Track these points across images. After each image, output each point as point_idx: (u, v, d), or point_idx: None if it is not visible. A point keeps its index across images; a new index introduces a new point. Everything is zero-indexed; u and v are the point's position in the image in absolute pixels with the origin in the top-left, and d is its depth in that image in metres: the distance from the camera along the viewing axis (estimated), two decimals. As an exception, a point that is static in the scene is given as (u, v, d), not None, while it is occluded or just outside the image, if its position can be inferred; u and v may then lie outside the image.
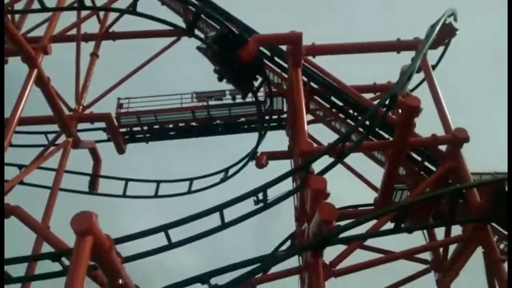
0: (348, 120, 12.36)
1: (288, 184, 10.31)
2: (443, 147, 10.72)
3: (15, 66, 12.24)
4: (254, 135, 14.40)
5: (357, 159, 12.35)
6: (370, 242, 10.77)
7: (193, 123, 15.05)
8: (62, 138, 12.83)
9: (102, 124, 14.34)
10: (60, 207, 11.94)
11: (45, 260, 7.76)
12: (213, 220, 8.18)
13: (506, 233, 10.51)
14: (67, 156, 12.49)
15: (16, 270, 8.12)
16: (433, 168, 10.96)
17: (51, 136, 13.55)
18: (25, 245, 10.94)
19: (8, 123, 9.83)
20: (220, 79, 11.81)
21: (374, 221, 9.20)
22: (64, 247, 8.27)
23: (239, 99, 14.53)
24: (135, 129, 15.00)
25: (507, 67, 9.08)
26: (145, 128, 14.98)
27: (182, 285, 6.94)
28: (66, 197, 13.61)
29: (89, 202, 14.12)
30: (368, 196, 12.01)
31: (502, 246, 10.86)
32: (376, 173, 11.89)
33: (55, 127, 13.22)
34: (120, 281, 6.95)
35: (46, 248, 9.42)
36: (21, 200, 9.89)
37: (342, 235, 7.85)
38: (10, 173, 11.28)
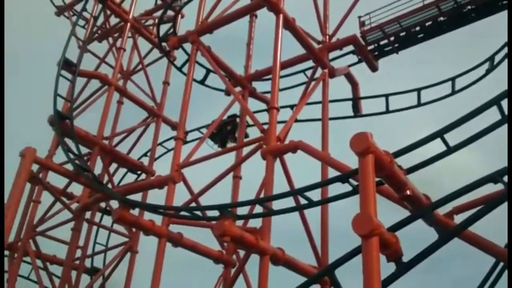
0: None
1: None
2: None
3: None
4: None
5: None
6: None
7: (441, 18, 13.96)
8: (319, 71, 13.72)
9: (351, 48, 14.68)
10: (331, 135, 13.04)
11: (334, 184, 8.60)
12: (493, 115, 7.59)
13: None
14: (327, 86, 13.37)
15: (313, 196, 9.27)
16: None
17: (309, 73, 14.64)
18: (312, 175, 12.38)
19: (273, 70, 11.15)
20: None
21: None
22: (348, 169, 8.99)
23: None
24: (382, 43, 14.86)
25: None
26: (392, 39, 14.65)
27: (471, 188, 6.80)
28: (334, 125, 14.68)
29: (355, 126, 14.91)
30: None
31: None
32: None
33: (310, 63, 14.20)
34: (408, 192, 7.28)
35: (332, 173, 10.42)
36: (300, 135, 11.09)
37: None
38: (285, 114, 12.73)
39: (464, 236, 7.79)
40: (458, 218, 8.65)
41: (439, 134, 7.41)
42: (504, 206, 6.49)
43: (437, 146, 7.82)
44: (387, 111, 14.52)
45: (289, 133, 11.49)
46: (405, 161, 7.77)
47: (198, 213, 10.88)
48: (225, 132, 15.64)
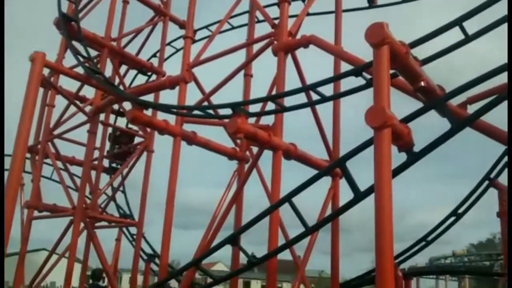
0: None
1: None
2: None
3: None
4: None
5: None
6: None
7: None
8: (330, -40, 12.98)
9: None
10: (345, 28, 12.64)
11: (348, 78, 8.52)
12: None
13: None
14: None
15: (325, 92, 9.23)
16: None
17: (320, -38, 13.84)
18: (325, 71, 12.22)
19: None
20: None
21: None
22: (361, 63, 8.85)
23: None
24: None
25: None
26: None
27: (486, 77, 6.65)
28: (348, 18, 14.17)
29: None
30: None
31: None
32: None
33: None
34: (422, 83, 7.22)
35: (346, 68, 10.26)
36: (311, 31, 10.76)
37: None
38: (296, 8, 12.25)
39: (477, 126, 7.88)
40: (472, 109, 8.68)
41: (457, 22, 7.16)
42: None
43: (456, 37, 7.60)
44: (403, 1, 13.92)
45: (300, 28, 11.14)
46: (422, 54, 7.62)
47: (211, 112, 11.00)
48: None
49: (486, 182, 11.91)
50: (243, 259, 9.62)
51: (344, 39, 12.31)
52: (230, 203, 11.21)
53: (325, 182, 11.30)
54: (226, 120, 9.95)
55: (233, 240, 8.12)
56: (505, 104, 6.41)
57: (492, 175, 11.85)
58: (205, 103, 12.48)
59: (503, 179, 11.85)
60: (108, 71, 15.54)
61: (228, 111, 9.50)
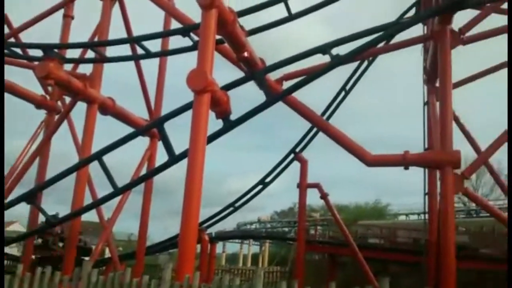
0: None
1: None
2: None
3: None
4: None
5: None
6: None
7: None
8: None
9: None
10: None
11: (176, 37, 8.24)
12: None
13: None
14: None
15: (152, 48, 8.82)
16: None
17: None
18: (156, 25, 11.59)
19: None
20: None
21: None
22: (191, 23, 8.64)
23: None
24: None
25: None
26: None
27: (303, 56, 7.11)
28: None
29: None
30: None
31: None
32: None
33: None
34: (246, 53, 7.36)
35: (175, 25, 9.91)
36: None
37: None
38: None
39: (289, 101, 8.38)
40: (288, 84, 9.18)
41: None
42: (329, 76, 7.03)
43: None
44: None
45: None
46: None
47: (18, 51, 9.67)
48: None
49: (292, 156, 12.98)
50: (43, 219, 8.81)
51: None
52: (33, 155, 10.13)
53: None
54: (36, 63, 8.87)
55: (30, 198, 7.35)
56: (316, 82, 6.94)
57: (297, 150, 12.96)
58: (12, 40, 10.89)
59: (306, 153, 13.07)
60: None
61: (39, 53, 8.48)
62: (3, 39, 10.18)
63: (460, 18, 8.42)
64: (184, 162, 5.96)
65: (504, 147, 7.43)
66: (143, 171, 10.61)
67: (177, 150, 6.68)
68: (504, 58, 9.87)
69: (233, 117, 6.69)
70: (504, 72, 10.12)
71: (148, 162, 10.97)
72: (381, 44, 8.46)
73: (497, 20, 9.45)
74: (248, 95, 7.91)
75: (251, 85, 7.19)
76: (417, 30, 9.38)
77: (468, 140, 10.00)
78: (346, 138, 7.93)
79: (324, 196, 12.69)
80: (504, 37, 8.27)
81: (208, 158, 5.96)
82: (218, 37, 6.72)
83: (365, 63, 11.88)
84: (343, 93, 12.11)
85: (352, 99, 12.53)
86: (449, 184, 7.14)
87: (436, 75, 8.36)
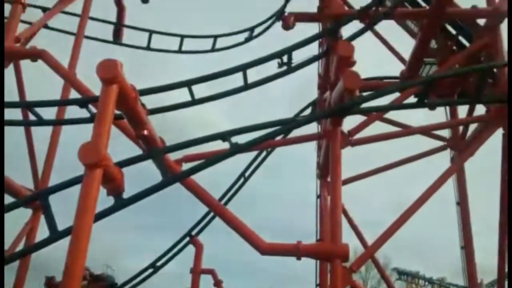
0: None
1: (314, 50, 10.15)
2: (481, 22, 10.20)
3: None
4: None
5: (388, 29, 11.93)
6: (390, 115, 10.86)
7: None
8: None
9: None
10: (86, 56, 12.03)
11: (73, 106, 7.99)
12: (239, 80, 8.19)
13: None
14: (90, 1, 12.19)
15: (46, 114, 8.42)
16: (467, 44, 10.56)
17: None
18: (53, 92, 11.24)
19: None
20: None
21: (397, 95, 9.18)
22: (91, 95, 8.45)
23: None
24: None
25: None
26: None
27: (203, 140, 7.19)
28: (92, 46, 13.64)
29: (116, 53, 14.14)
30: (394, 70, 11.84)
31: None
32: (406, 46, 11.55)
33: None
34: (145, 131, 7.24)
35: (74, 95, 9.65)
36: (48, 45, 9.86)
37: (363, 105, 7.85)
38: (35, 16, 11.14)
39: (186, 183, 8.25)
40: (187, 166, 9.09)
41: (187, 84, 7.58)
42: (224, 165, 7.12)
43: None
44: (148, 48, 14.17)
45: (34, 38, 10.08)
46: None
47: None
48: None
49: (187, 239, 12.62)
50: None
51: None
52: None
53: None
54: None
55: None
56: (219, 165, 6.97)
57: (194, 233, 12.66)
58: None
59: (203, 236, 12.78)
60: None
61: None
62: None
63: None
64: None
65: (390, 242, 7.88)
66: (21, 246, 9.77)
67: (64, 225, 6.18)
68: (388, 161, 11.04)
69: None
70: (389, 173, 11.19)
71: (27, 237, 10.10)
72: (279, 137, 8.81)
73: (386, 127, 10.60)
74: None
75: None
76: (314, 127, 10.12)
77: (356, 234, 10.52)
78: (242, 225, 7.90)
79: (217, 283, 12.30)
80: (388, 142, 9.24)
81: (99, 236, 5.57)
82: (117, 111, 6.59)
83: (265, 152, 12.34)
84: (242, 179, 12.32)
85: (251, 185, 12.79)
86: (338, 276, 7.28)
87: (328, 171, 8.82)
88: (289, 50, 8.59)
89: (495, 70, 9.53)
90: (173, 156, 8.79)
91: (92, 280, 12.30)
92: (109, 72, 5.85)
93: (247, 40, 14.01)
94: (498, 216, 9.50)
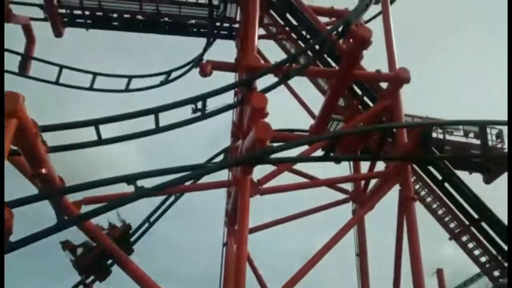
0: (300, 42, 12.17)
1: (229, 99, 10.28)
2: (384, 85, 10.95)
3: None
4: (202, 41, 13.85)
5: (300, 85, 12.49)
6: (298, 167, 11.18)
7: (139, 17, 14.10)
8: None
9: (40, 0, 13.20)
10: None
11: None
12: (150, 122, 8.01)
13: (422, 174, 11.23)
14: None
15: None
16: (371, 104, 11.25)
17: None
18: None
19: None
20: None
21: (306, 147, 9.49)
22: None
23: (192, -1, 13.81)
24: (76, 12, 13.87)
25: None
26: (87, 13, 13.89)
27: (107, 182, 6.86)
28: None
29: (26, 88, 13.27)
30: (304, 123, 12.32)
31: (417, 186, 11.56)
32: (316, 102, 12.10)
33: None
34: (43, 170, 6.75)
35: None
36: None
37: (274, 155, 7.99)
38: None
39: (85, 227, 7.75)
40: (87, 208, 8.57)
41: (94, 123, 7.25)
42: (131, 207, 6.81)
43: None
44: (56, 82, 13.45)
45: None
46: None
47: None
48: None
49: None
50: None
51: None
52: None
53: None
54: None
55: None
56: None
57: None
58: None
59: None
60: None
61: None
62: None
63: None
64: None
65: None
66: None
67: None
68: (294, 211, 11.30)
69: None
70: (293, 223, 11.42)
71: None
72: (188, 183, 8.66)
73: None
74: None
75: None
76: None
77: (259, 283, 10.45)
78: (145, 277, 7.56)
79: None
80: (295, 193, 9.46)
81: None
82: (14, 147, 6.13)
83: (173, 197, 12.00)
84: (147, 224, 11.81)
85: (158, 229, 12.29)
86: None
87: (236, 219, 8.75)
88: (203, 97, 8.61)
89: (394, 130, 10.19)
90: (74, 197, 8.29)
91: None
92: (9, 104, 5.47)
93: (163, 83, 13.82)
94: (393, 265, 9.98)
